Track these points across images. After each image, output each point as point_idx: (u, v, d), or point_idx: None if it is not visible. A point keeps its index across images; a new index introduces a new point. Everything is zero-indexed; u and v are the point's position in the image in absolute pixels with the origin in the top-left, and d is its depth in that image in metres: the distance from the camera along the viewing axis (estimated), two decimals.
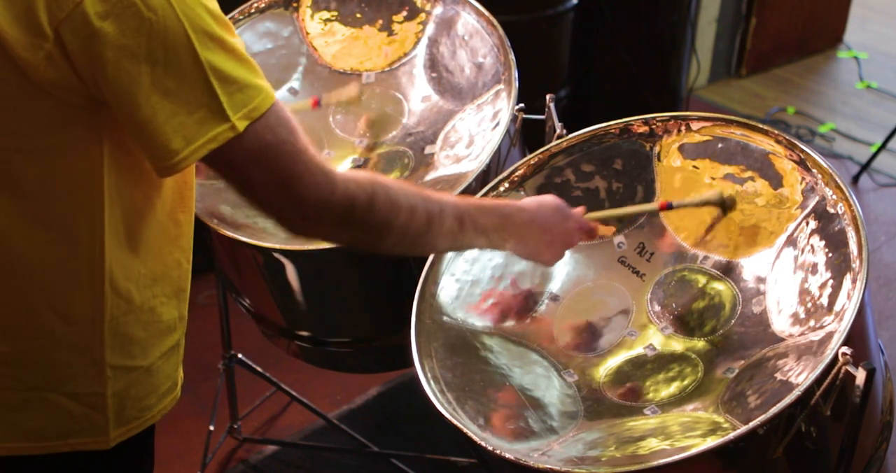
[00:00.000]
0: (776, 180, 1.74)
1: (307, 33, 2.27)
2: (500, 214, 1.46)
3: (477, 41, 2.14)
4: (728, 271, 1.75)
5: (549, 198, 1.58)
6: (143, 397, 1.43)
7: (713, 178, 1.80)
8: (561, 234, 1.57)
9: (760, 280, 1.71)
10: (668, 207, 1.78)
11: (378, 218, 1.29)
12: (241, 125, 1.19)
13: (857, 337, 1.46)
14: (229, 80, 1.19)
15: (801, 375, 1.48)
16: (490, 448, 1.48)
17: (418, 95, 2.21)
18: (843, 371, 1.37)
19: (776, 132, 1.74)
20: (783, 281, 1.67)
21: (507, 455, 1.47)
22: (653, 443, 1.52)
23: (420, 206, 1.32)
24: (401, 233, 1.32)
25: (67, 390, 1.37)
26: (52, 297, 1.31)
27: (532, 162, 1.87)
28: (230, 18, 2.21)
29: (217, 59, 1.18)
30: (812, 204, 1.67)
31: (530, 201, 1.55)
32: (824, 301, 1.57)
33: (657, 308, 1.78)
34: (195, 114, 1.17)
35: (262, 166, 1.22)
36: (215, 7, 1.20)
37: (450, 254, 1.79)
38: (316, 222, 1.27)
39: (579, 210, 1.66)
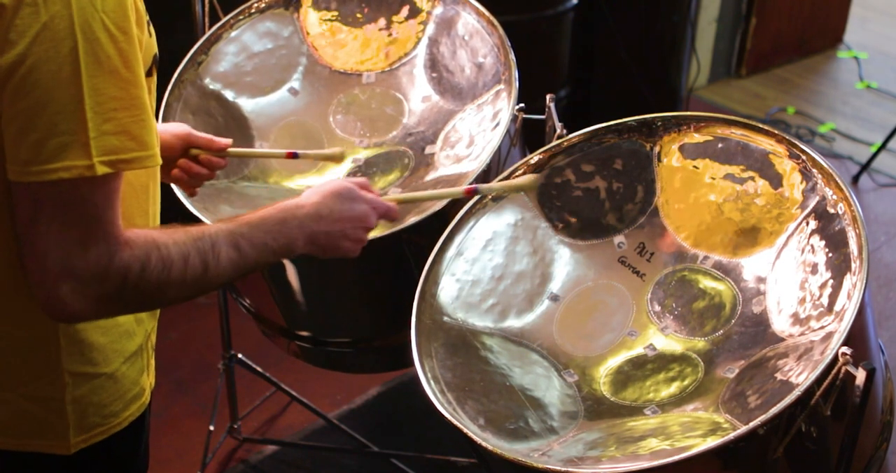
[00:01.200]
0: (776, 180, 1.74)
1: (307, 33, 2.27)
2: (276, 222, 1.38)
3: (477, 41, 2.14)
4: (728, 271, 1.76)
5: (331, 185, 1.48)
6: (107, 403, 1.41)
7: (713, 178, 1.80)
8: (352, 220, 1.47)
9: (760, 280, 1.71)
10: (475, 193, 1.66)
11: (151, 282, 1.23)
12: (100, 170, 1.15)
13: (857, 337, 1.46)
14: (106, 118, 1.15)
15: (801, 375, 1.48)
16: (490, 448, 1.48)
17: (418, 95, 2.21)
18: (843, 371, 1.37)
19: (776, 132, 1.74)
20: (783, 281, 1.67)
21: (507, 455, 1.46)
22: (653, 443, 1.52)
23: (192, 252, 1.27)
24: (179, 286, 1.27)
25: (24, 392, 1.36)
26: (5, 301, 1.30)
27: (532, 162, 1.87)
28: (231, 18, 2.21)
29: (103, 89, 1.15)
30: (812, 204, 1.67)
31: (310, 194, 1.46)
32: (824, 301, 1.57)
33: (657, 308, 1.78)
34: (58, 137, 1.14)
35: (59, 216, 1.17)
36: (126, 46, 1.17)
37: (451, 253, 1.79)
38: (77, 293, 1.19)
39: (363, 181, 1.56)
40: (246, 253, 1.33)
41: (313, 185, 2.14)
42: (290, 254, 1.41)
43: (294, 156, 1.90)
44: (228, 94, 2.19)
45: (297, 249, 1.41)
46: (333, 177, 2.17)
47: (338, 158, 1.96)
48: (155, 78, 1.36)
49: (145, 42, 1.27)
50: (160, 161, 1.23)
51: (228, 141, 1.66)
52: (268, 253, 1.36)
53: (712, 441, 1.38)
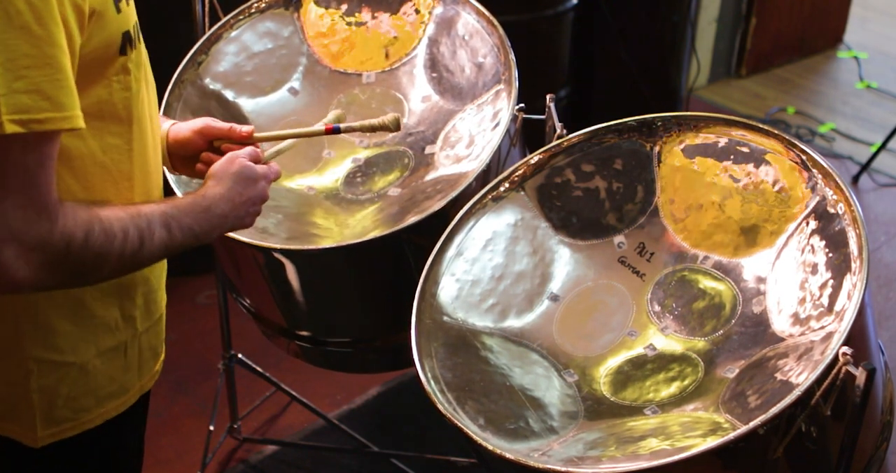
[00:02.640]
0: (776, 180, 1.74)
1: (307, 33, 2.27)
2: (202, 210, 1.41)
3: (477, 41, 2.14)
4: (728, 271, 1.75)
5: (234, 167, 1.50)
6: (77, 397, 1.39)
7: (713, 178, 1.80)
8: (256, 200, 1.51)
9: (761, 280, 1.71)
10: (335, 131, 1.67)
11: (93, 252, 1.24)
12: (9, 128, 1.12)
13: (857, 337, 1.46)
14: (18, 75, 1.12)
15: (801, 375, 1.48)
16: (490, 448, 1.48)
17: (418, 95, 2.21)
18: (843, 371, 1.37)
19: (776, 132, 1.74)
20: (783, 281, 1.67)
21: (508, 455, 1.46)
22: (653, 443, 1.52)
23: (131, 227, 1.28)
24: (117, 259, 1.27)
25: None
26: None
27: (532, 162, 1.87)
28: (231, 18, 2.21)
29: (14, 46, 1.11)
30: (812, 204, 1.67)
31: (218, 179, 1.48)
32: (824, 301, 1.57)
33: (657, 308, 1.78)
34: None
35: None
36: (40, 4, 1.13)
37: (451, 253, 1.79)
38: (21, 258, 1.17)
39: (252, 152, 1.56)
40: (174, 235, 1.35)
41: (313, 185, 2.15)
42: (209, 239, 1.45)
43: (335, 130, 1.68)
44: (229, 94, 2.19)
45: (215, 234, 1.46)
46: (334, 177, 2.17)
47: (393, 127, 1.69)
48: (135, 56, 1.32)
49: (108, 16, 1.24)
50: (82, 124, 1.19)
51: (250, 128, 1.62)
52: (192, 237, 1.39)
53: (712, 441, 1.38)
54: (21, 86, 1.13)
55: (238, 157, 1.51)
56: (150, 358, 1.50)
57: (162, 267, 1.50)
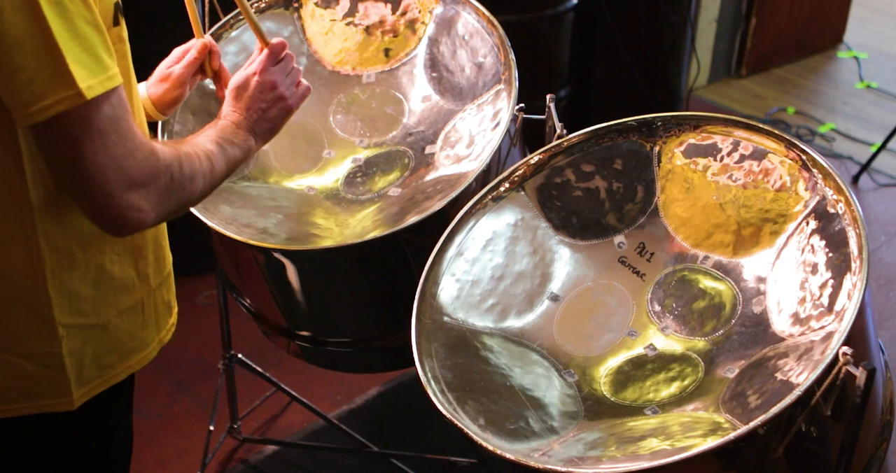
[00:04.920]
0: (776, 180, 1.74)
1: (307, 33, 2.27)
2: (227, 128, 1.55)
3: (477, 41, 2.14)
4: (728, 271, 1.76)
5: (230, 92, 1.64)
6: (101, 355, 1.45)
7: (713, 178, 1.80)
8: (261, 97, 1.63)
9: (761, 280, 1.71)
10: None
11: (188, 176, 1.39)
12: (89, 94, 1.22)
13: (857, 337, 1.46)
14: (81, 45, 1.22)
15: (801, 375, 1.48)
16: (490, 448, 1.48)
17: (419, 95, 2.21)
18: (843, 371, 1.37)
19: (776, 132, 1.74)
20: (783, 281, 1.67)
21: (508, 455, 1.46)
22: (653, 443, 1.52)
23: (197, 150, 1.44)
24: (202, 178, 1.42)
25: (22, 351, 1.39)
26: None
27: (532, 162, 1.87)
28: (231, 18, 2.21)
29: (67, 22, 1.20)
30: (812, 204, 1.68)
31: (226, 105, 1.62)
32: (824, 301, 1.57)
33: (657, 308, 1.78)
34: (43, 72, 1.20)
35: (98, 140, 1.25)
36: None
37: (451, 253, 1.79)
38: (143, 198, 1.30)
39: (264, 61, 1.70)
40: (226, 150, 1.50)
41: (313, 185, 2.15)
42: (258, 142, 1.59)
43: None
44: None
45: (266, 138, 1.61)
46: (334, 177, 2.17)
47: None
48: (123, 26, 1.40)
49: None
50: (121, 80, 1.29)
51: (204, 39, 1.81)
52: (241, 150, 1.54)
53: (712, 441, 1.38)
54: (82, 54, 1.23)
55: (248, 75, 1.65)
56: (165, 312, 1.57)
57: (163, 226, 1.57)
